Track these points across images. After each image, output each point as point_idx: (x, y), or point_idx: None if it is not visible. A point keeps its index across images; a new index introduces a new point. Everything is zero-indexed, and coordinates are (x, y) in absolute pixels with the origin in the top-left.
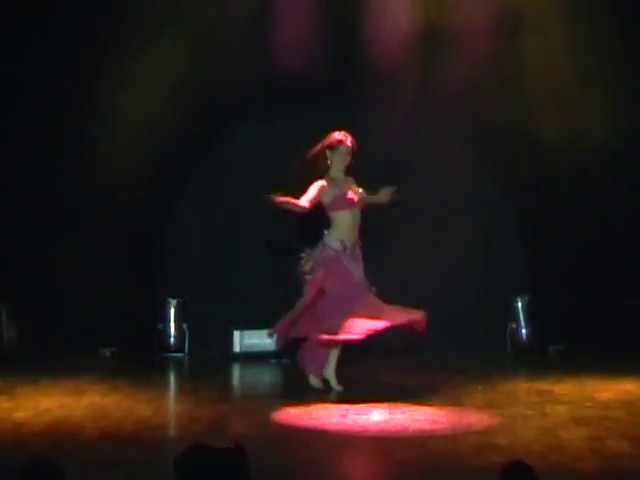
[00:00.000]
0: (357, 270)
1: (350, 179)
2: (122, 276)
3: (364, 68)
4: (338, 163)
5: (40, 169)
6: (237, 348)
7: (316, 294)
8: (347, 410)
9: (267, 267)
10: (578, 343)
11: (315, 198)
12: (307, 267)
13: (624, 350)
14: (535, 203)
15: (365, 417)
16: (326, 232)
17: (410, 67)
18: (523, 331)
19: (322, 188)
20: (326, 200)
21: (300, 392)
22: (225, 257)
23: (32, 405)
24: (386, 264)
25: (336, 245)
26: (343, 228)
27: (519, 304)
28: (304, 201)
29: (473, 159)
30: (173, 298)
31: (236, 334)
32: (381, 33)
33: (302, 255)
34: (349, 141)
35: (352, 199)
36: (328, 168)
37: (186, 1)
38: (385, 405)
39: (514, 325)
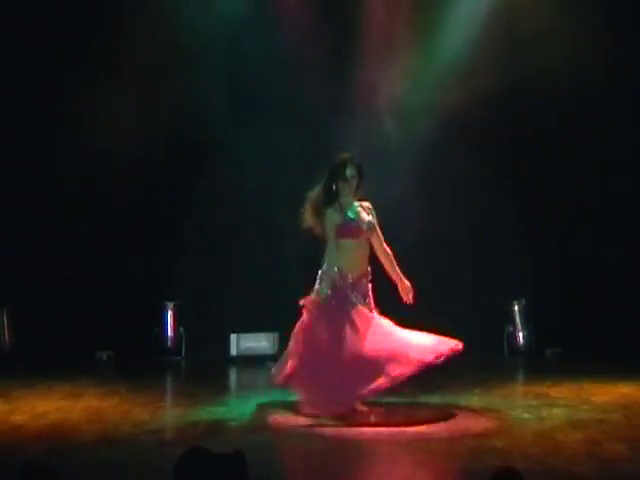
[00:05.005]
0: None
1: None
2: (119, 280)
3: (359, 80)
4: (344, 189)
5: (40, 174)
6: (234, 351)
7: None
8: (344, 414)
9: (263, 271)
10: (575, 346)
11: None
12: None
13: (620, 353)
14: (533, 206)
15: (362, 421)
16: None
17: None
18: (520, 334)
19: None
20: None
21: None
22: (222, 261)
23: (29, 408)
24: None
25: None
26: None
27: (516, 308)
28: None
29: (472, 162)
30: (170, 301)
31: (233, 337)
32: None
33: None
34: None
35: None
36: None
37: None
38: (382, 409)
39: (511, 328)
